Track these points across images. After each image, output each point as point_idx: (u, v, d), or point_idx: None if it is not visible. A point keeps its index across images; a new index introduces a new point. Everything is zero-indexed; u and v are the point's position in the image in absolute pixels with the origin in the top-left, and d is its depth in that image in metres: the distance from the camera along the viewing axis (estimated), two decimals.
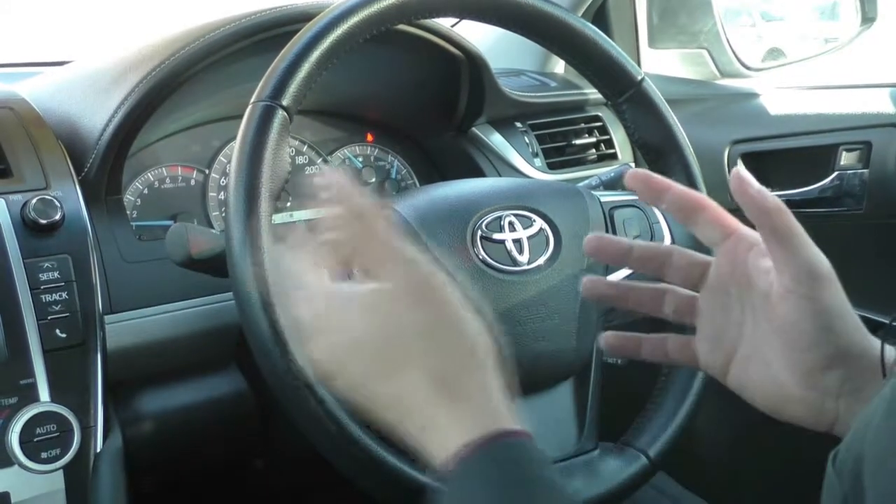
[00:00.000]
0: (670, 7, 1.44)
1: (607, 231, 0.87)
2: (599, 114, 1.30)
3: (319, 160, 1.16)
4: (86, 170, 0.89)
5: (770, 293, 0.56)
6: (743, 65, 1.38)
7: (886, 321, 0.53)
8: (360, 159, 1.19)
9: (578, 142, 1.26)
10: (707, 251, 0.63)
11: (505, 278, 0.80)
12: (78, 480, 0.79)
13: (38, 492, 0.77)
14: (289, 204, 1.12)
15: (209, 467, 1.07)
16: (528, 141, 1.22)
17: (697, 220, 0.60)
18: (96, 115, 0.91)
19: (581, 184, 0.98)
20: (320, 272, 0.53)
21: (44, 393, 0.77)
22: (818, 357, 0.54)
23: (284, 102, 0.74)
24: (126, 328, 0.88)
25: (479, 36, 1.15)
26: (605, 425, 0.86)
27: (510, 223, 0.82)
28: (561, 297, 0.82)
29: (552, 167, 1.22)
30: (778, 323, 0.55)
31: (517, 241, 0.82)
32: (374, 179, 1.18)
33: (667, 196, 0.59)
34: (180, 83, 0.93)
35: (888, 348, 0.54)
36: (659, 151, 0.93)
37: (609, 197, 0.91)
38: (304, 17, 0.87)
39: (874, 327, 0.56)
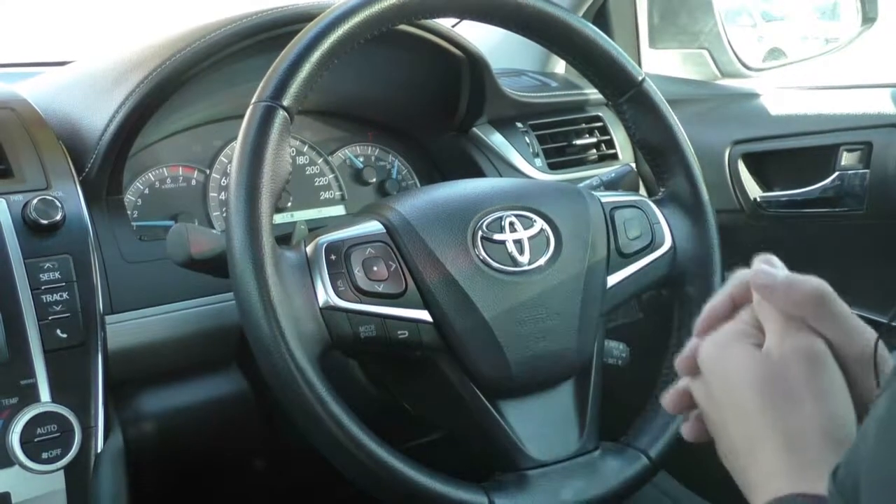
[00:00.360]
0: (671, 7, 1.44)
1: (607, 231, 0.87)
2: (600, 114, 1.30)
3: (320, 160, 1.16)
4: (87, 170, 0.89)
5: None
6: (743, 65, 1.38)
7: (885, 321, 0.53)
8: (361, 159, 1.19)
9: (579, 142, 1.26)
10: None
11: (505, 279, 0.80)
12: (78, 481, 0.79)
13: (38, 492, 0.77)
14: (289, 204, 1.12)
15: (210, 467, 1.08)
16: (528, 141, 1.22)
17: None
18: (97, 115, 0.91)
19: (582, 184, 0.98)
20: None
21: (44, 393, 0.77)
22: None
23: (285, 103, 0.74)
24: (127, 328, 0.88)
25: (479, 36, 1.15)
26: (605, 425, 0.86)
27: (511, 223, 0.82)
28: (561, 297, 0.82)
29: (553, 167, 1.23)
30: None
31: (518, 242, 0.82)
32: (374, 179, 1.18)
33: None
34: (181, 83, 0.93)
35: (885, 354, 0.54)
36: (660, 152, 0.93)
37: (610, 197, 0.91)
38: (305, 17, 0.88)
39: (874, 328, 0.56)
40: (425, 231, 0.79)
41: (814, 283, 0.54)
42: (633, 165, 1.16)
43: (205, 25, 0.94)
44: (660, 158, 0.93)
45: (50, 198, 0.81)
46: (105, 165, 0.90)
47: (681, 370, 0.60)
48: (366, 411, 0.75)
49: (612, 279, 0.87)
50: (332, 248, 0.76)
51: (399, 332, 0.77)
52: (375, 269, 0.77)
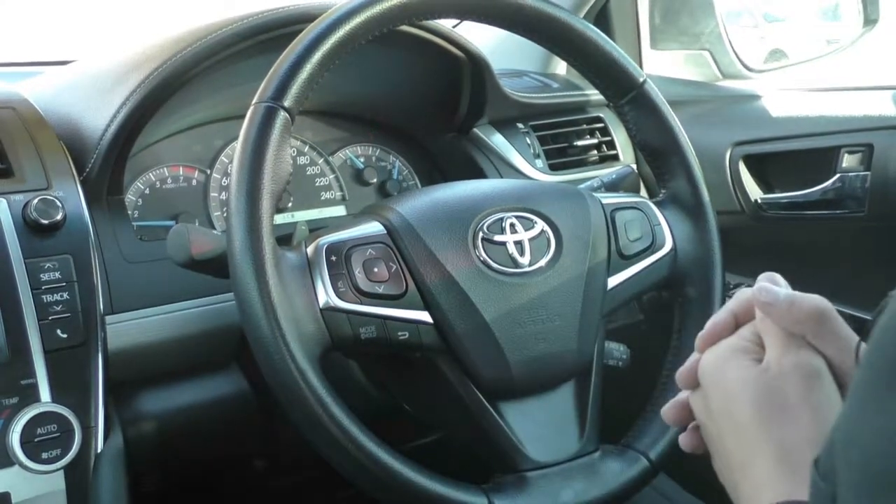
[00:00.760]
0: (672, 8, 1.44)
1: (608, 232, 0.87)
2: (601, 115, 1.30)
3: (321, 160, 1.16)
4: (87, 170, 0.89)
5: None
6: (745, 66, 1.37)
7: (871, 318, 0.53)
8: (362, 160, 1.19)
9: (580, 143, 1.26)
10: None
11: (506, 280, 0.80)
12: (79, 481, 0.79)
13: (38, 492, 0.77)
14: (290, 204, 1.12)
15: (210, 467, 1.08)
16: (529, 142, 1.22)
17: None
18: (98, 114, 0.91)
19: (582, 185, 0.98)
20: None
21: (45, 393, 0.77)
22: None
23: (286, 104, 0.74)
24: (127, 328, 0.88)
25: (480, 37, 1.15)
26: (606, 427, 0.85)
27: (511, 225, 0.82)
28: (562, 298, 0.82)
29: (554, 168, 1.22)
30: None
31: (518, 243, 0.82)
32: (375, 180, 1.18)
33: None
34: (182, 83, 0.93)
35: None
36: (661, 153, 0.93)
37: (610, 198, 0.91)
38: (306, 17, 0.88)
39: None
40: (426, 232, 0.79)
41: (815, 301, 0.55)
42: (634, 167, 1.16)
43: (206, 26, 0.94)
44: (661, 160, 0.93)
45: (50, 198, 0.81)
46: (106, 165, 0.90)
47: (681, 383, 0.61)
48: (366, 412, 0.75)
49: (613, 280, 0.87)
50: (332, 248, 0.76)
51: (399, 334, 0.77)
52: (376, 270, 0.77)
